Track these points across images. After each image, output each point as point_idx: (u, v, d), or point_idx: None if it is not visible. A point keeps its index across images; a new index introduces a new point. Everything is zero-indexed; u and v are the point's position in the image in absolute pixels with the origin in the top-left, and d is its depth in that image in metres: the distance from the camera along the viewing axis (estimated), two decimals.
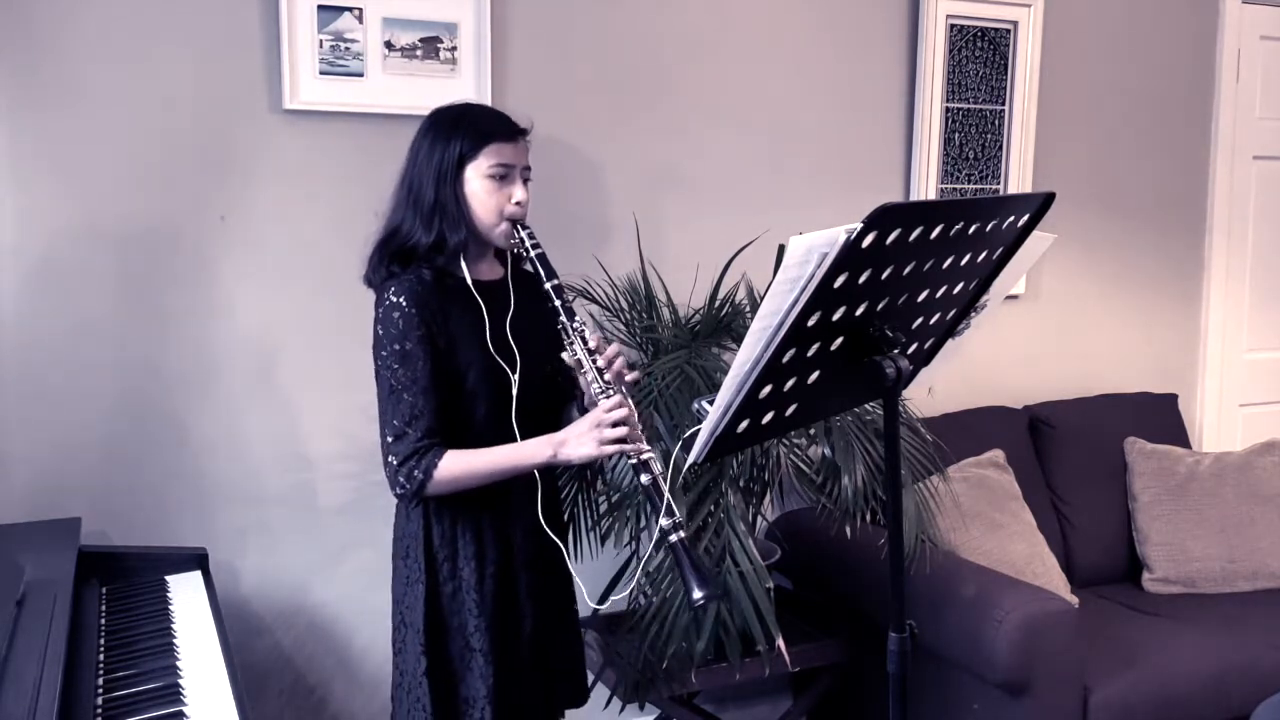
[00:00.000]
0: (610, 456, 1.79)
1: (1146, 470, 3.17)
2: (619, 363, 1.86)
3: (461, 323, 1.85)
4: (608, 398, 1.79)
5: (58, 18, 2.24)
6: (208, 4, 2.34)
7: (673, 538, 1.74)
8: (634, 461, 1.79)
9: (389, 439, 1.82)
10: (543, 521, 1.91)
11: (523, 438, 1.85)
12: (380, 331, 1.83)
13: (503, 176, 1.85)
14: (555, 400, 1.98)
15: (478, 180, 1.85)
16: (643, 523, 2.37)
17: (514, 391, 1.85)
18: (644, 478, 1.78)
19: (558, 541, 1.94)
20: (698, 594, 1.71)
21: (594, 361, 1.82)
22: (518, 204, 1.87)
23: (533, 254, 1.86)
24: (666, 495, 1.76)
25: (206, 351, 2.41)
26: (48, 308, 2.29)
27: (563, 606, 2.03)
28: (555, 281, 1.85)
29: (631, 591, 2.34)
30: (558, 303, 1.84)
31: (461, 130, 1.85)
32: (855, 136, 3.07)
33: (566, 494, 2.43)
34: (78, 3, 2.25)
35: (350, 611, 2.57)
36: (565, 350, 1.85)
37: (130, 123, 2.31)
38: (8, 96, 2.22)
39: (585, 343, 1.83)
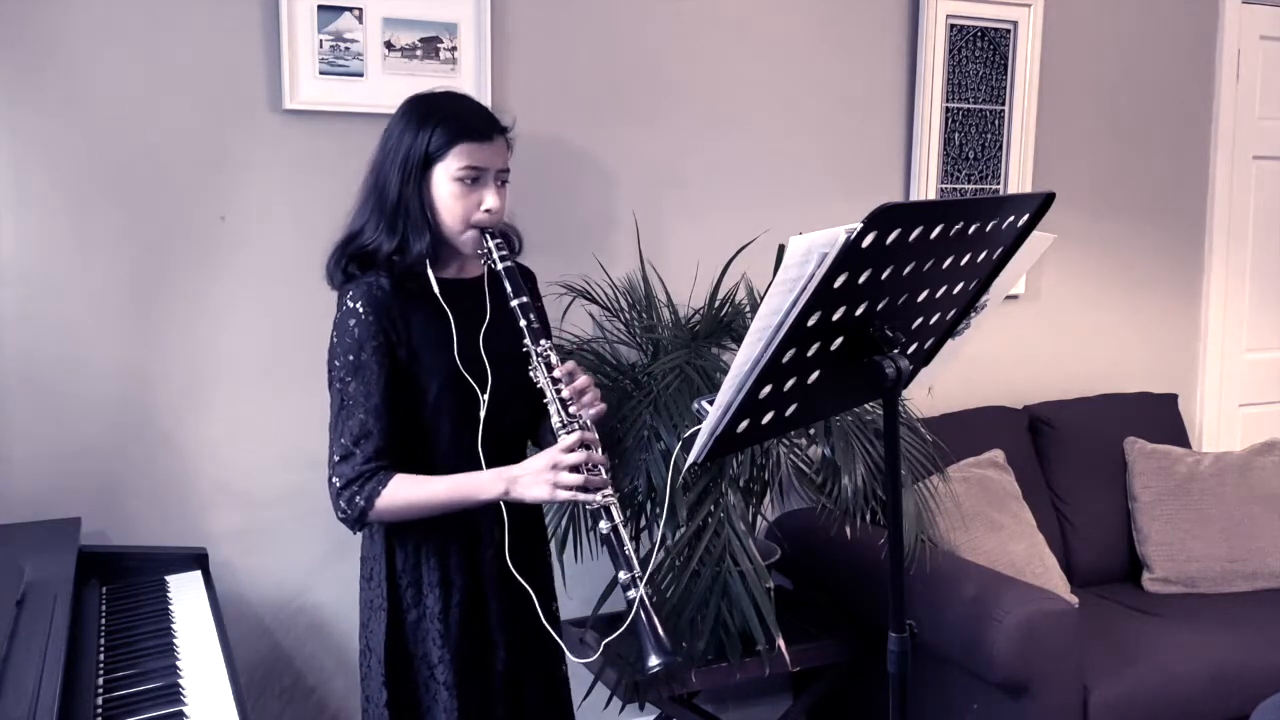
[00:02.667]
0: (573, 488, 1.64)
1: (1146, 470, 3.17)
2: (588, 395, 1.72)
3: (426, 332, 1.70)
4: (568, 434, 1.65)
5: (56, 17, 2.24)
6: (207, 4, 2.34)
7: (630, 594, 1.59)
8: (591, 509, 1.64)
9: (335, 458, 1.68)
10: (510, 563, 1.74)
11: (495, 460, 1.70)
12: (335, 339, 1.69)
13: (474, 180, 1.69)
14: (536, 419, 1.83)
15: (445, 183, 1.69)
16: (643, 523, 2.37)
17: (481, 412, 1.70)
18: (603, 525, 1.63)
19: (527, 588, 1.77)
20: (653, 661, 1.56)
21: (558, 391, 1.67)
22: (487, 211, 1.70)
23: (499, 266, 1.70)
24: (627, 546, 1.61)
25: (206, 351, 2.41)
26: (47, 307, 2.29)
27: (542, 635, 1.85)
28: (523, 299, 1.70)
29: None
30: (523, 323, 1.69)
31: (432, 125, 1.69)
32: (855, 136, 3.07)
33: None
34: (77, 2, 2.25)
35: (350, 611, 2.54)
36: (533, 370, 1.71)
37: (130, 123, 2.31)
38: (7, 97, 2.22)
39: (549, 370, 1.69)
